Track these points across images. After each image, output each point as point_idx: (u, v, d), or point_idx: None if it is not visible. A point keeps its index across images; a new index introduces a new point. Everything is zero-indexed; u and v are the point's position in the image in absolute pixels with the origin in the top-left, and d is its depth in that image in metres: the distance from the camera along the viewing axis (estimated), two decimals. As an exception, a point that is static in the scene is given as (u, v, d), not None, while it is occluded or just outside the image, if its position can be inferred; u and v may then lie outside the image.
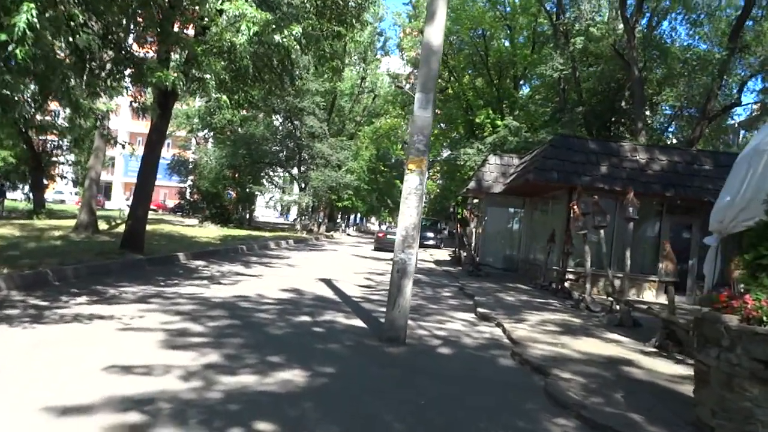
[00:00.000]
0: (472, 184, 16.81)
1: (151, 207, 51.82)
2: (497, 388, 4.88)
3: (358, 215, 67.34)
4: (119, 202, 66.27)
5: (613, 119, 28.74)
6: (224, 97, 11.53)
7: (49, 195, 56.26)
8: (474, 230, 24.38)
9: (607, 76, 27.43)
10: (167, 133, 17.29)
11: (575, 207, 9.74)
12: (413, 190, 6.37)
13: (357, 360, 5.44)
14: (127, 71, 10.65)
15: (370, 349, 5.92)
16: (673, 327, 6.71)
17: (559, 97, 30.55)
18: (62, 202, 54.45)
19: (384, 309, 8.34)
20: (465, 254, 17.52)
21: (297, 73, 14.91)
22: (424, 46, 6.66)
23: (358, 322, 7.36)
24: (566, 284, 11.75)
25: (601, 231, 9.30)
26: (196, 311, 6.91)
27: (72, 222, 18.76)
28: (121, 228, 22.67)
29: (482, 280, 14.51)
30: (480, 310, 8.93)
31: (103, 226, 22.33)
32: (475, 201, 22.81)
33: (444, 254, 27.26)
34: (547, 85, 35.29)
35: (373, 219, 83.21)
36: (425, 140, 6.36)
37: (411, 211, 6.36)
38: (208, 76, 13.45)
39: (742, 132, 33.73)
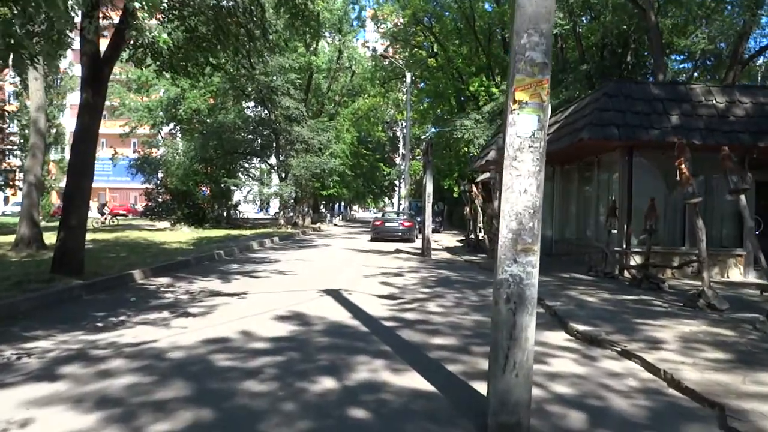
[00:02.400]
0: (491, 154, 13.88)
1: (121, 212, 48.56)
2: None
3: (342, 204, 64.15)
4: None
5: (623, 74, 25.99)
6: (163, 37, 8.25)
7: (9, 207, 52.29)
8: (482, 210, 21.54)
9: (612, 27, 24.59)
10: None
11: (683, 167, 6.87)
12: (527, 141, 3.39)
13: None
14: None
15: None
16: None
17: (557, 58, 27.65)
18: (21, 214, 50.46)
19: (441, 340, 5.41)
20: (486, 238, 14.65)
21: (270, 31, 11.73)
22: None
23: (419, 382, 4.34)
24: (650, 271, 8.91)
25: (742, 196, 6.45)
26: (137, 391, 3.91)
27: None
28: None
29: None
30: (577, 327, 6.03)
31: (52, 239, 19.02)
32: (485, 175, 19.92)
33: (449, 239, 24.37)
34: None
35: (356, 207, 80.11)
36: (544, 44, 3.36)
37: (525, 182, 3.40)
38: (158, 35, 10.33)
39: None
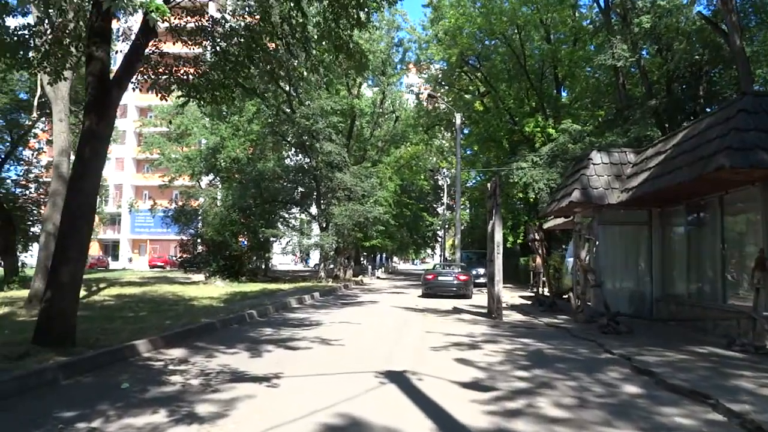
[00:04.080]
0: (575, 195, 11.48)
1: (159, 263, 47.62)
2: None
3: (384, 255, 61.90)
4: (124, 261, 61.90)
5: (696, 109, 23.45)
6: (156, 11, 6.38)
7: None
8: (548, 262, 19.02)
9: (686, 56, 22.28)
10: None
11: None
12: None
13: None
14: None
15: None
16: None
17: (619, 94, 25.37)
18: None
19: None
20: (577, 298, 12.08)
21: (312, 48, 9.91)
22: None
23: None
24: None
25: None
26: None
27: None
28: (101, 295, 17.84)
29: (627, 339, 9.08)
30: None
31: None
32: (553, 222, 17.46)
33: (509, 294, 21.67)
34: (593, 87, 30.34)
35: (395, 258, 77.63)
36: None
37: None
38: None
39: None
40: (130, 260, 61.28)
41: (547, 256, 17.88)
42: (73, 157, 11.74)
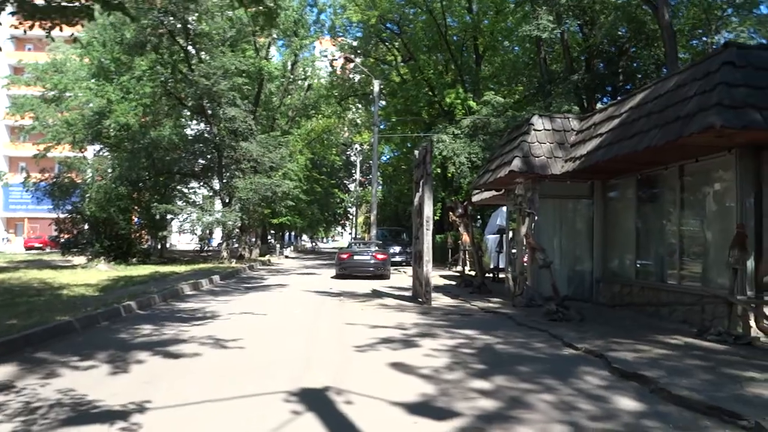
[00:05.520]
0: (516, 163, 10.12)
1: (36, 244, 42.24)
2: None
3: (293, 233, 59.36)
4: (-1, 243, 54.80)
5: (618, 84, 23.25)
6: None
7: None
8: (463, 238, 17.93)
9: (612, 30, 21.86)
10: None
11: None
12: None
13: None
14: None
15: None
16: None
17: (540, 69, 24.73)
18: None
19: None
20: (514, 279, 10.79)
21: None
22: None
23: None
24: None
25: None
26: None
27: None
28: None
29: (581, 329, 7.86)
30: None
31: None
32: (482, 196, 16.24)
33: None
34: (512, 63, 29.64)
35: (304, 236, 75.12)
36: None
37: None
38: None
39: None
40: (8, 241, 54.35)
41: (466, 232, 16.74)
42: None
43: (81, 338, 7.32)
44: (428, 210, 10.69)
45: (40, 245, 41.32)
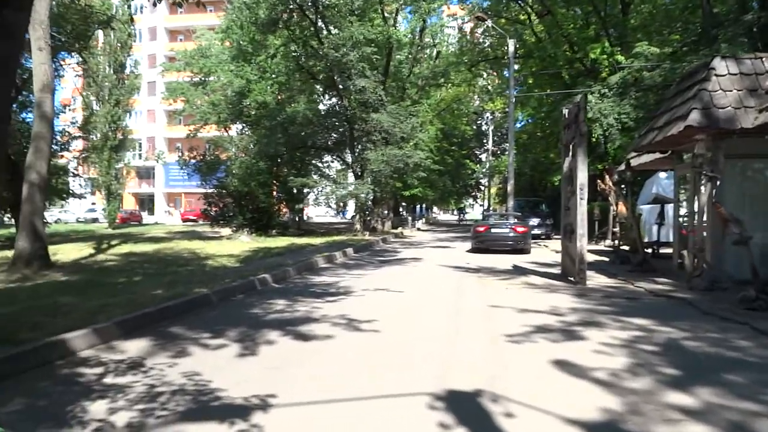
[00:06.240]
0: (694, 116, 8.32)
1: (191, 217, 46.09)
2: None
3: (424, 205, 58.95)
4: (161, 215, 60.94)
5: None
6: None
7: (77, 212, 50.61)
8: (618, 208, 15.97)
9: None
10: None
11: None
12: None
13: None
14: None
15: None
16: None
17: (704, 10, 21.19)
18: (95, 221, 48.66)
19: None
20: (694, 256, 9.06)
21: None
22: None
23: None
24: None
25: None
26: None
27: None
28: (107, 254, 15.61)
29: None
30: None
31: (81, 252, 15.36)
32: (640, 160, 14.22)
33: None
34: (663, 11, 25.96)
35: (435, 209, 74.44)
36: None
37: None
38: None
39: None
40: (170, 214, 60.26)
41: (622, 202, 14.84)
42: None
43: (216, 312, 7.16)
44: (582, 176, 9.26)
45: (195, 218, 45.02)
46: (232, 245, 17.91)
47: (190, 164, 28.32)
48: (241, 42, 27.36)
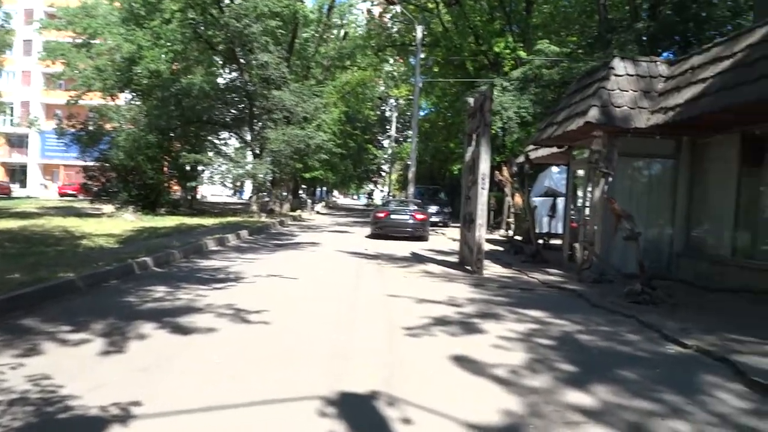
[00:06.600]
0: (594, 113, 8.56)
1: (69, 191, 42.19)
2: None
3: (324, 189, 58.31)
4: (35, 188, 55.36)
5: (688, 33, 20.86)
6: None
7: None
8: (514, 200, 16.57)
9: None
10: None
11: None
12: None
13: None
14: None
15: None
16: None
17: (600, 16, 22.42)
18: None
19: None
20: (584, 249, 9.36)
21: None
22: None
23: None
24: None
25: None
26: None
27: None
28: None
29: (677, 316, 6.48)
30: None
31: None
32: (537, 153, 14.67)
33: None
34: (562, 14, 27.31)
35: (335, 192, 74.09)
36: None
37: None
38: None
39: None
40: (46, 188, 54.84)
41: (518, 194, 15.35)
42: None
43: (82, 300, 6.29)
44: (484, 166, 9.24)
45: (74, 192, 41.28)
46: (113, 223, 16.42)
47: (69, 133, 25.66)
48: (132, 3, 25.04)
